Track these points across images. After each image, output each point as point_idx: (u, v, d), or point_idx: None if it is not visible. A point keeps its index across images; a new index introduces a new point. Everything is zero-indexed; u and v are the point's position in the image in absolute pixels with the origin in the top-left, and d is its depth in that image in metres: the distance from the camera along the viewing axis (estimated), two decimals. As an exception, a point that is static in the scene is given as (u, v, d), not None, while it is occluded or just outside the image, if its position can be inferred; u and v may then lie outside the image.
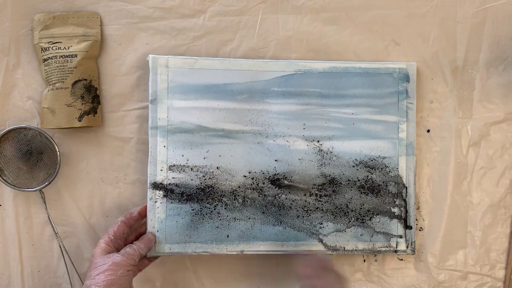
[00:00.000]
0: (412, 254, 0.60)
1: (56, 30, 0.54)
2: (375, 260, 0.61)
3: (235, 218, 0.56)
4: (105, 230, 0.57)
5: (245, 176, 0.57)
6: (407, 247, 0.59)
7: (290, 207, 0.57)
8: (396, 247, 0.59)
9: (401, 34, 0.60)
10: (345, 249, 0.58)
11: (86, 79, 0.54)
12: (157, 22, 0.56)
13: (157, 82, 0.55)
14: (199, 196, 0.56)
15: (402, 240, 0.59)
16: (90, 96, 0.55)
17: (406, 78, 0.59)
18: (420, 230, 0.61)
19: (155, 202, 0.55)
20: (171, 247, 0.55)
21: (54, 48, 0.54)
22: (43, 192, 0.55)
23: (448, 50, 0.61)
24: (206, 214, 0.56)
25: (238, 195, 0.57)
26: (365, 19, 0.59)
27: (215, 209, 0.56)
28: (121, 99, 0.56)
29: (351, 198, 0.58)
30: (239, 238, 0.56)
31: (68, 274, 0.56)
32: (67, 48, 0.54)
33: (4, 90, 0.55)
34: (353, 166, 0.58)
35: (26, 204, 0.56)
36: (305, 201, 0.58)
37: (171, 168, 0.55)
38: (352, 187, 0.58)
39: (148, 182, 0.55)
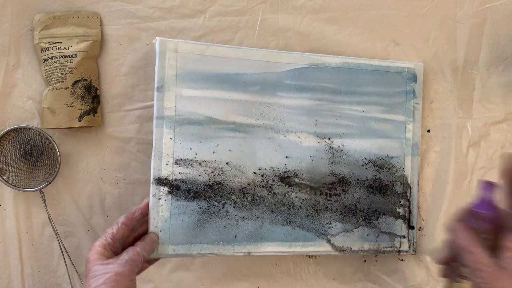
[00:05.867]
0: (413, 254, 0.60)
1: (56, 30, 0.54)
2: (376, 260, 0.61)
3: (243, 218, 0.53)
4: (105, 230, 0.57)
5: (255, 173, 0.54)
6: (409, 247, 0.59)
7: (300, 207, 0.55)
8: (400, 247, 0.58)
9: (401, 34, 0.60)
10: (352, 249, 0.57)
11: (86, 79, 0.54)
12: (157, 22, 0.56)
13: (165, 68, 0.51)
14: (207, 193, 0.52)
15: (405, 240, 0.59)
16: (90, 96, 0.55)
17: (414, 78, 0.59)
18: (420, 229, 0.61)
19: (159, 199, 0.51)
20: (175, 249, 0.51)
21: (54, 48, 0.54)
22: (43, 192, 0.55)
23: (448, 50, 0.61)
24: (214, 212, 0.53)
25: (247, 193, 0.53)
26: (365, 19, 0.59)
27: (223, 207, 0.53)
28: (121, 99, 0.56)
29: (359, 198, 0.57)
30: (247, 238, 0.53)
31: (68, 274, 0.56)
32: (67, 48, 0.54)
33: (4, 90, 0.55)
34: (362, 165, 0.57)
35: (26, 204, 0.56)
36: (315, 200, 0.55)
37: (177, 162, 0.51)
38: (361, 186, 0.57)
39: (152, 177, 0.51)
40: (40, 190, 0.54)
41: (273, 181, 0.54)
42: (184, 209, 0.52)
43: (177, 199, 0.51)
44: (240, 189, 0.53)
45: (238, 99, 0.53)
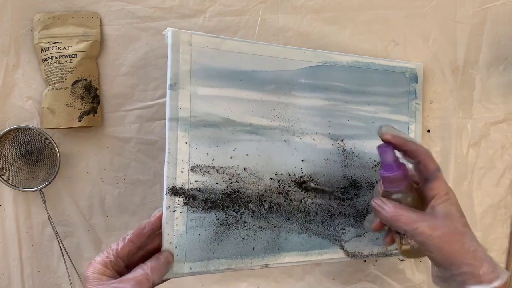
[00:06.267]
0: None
1: (56, 30, 0.54)
2: (376, 260, 0.61)
3: (261, 227, 0.50)
4: (105, 230, 0.57)
5: (271, 179, 0.50)
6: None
7: (316, 213, 0.53)
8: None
9: (401, 34, 0.60)
10: (363, 254, 0.55)
11: (86, 79, 0.54)
12: (157, 22, 0.56)
13: (179, 62, 0.46)
14: (224, 203, 0.48)
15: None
16: (90, 96, 0.54)
17: (415, 78, 0.59)
18: (420, 230, 0.61)
19: (174, 211, 0.45)
20: (191, 266, 0.46)
21: (54, 48, 0.54)
22: (43, 192, 0.55)
23: (448, 50, 0.61)
24: (232, 223, 0.48)
25: (265, 201, 0.50)
26: (365, 19, 0.59)
27: (241, 217, 0.49)
28: (121, 99, 0.56)
29: (370, 201, 0.55)
30: (264, 250, 0.50)
31: (68, 274, 0.56)
32: (67, 48, 0.54)
33: (4, 90, 0.55)
34: (372, 167, 0.56)
35: (26, 204, 0.56)
36: (330, 205, 0.53)
37: (193, 169, 0.46)
38: (371, 189, 0.56)
39: (165, 187, 0.45)
40: (40, 190, 0.54)
41: (289, 186, 0.51)
42: (201, 222, 0.47)
43: (193, 211, 0.46)
44: (257, 197, 0.50)
45: (254, 99, 0.50)
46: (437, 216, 0.41)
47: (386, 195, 0.46)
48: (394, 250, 0.58)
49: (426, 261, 0.61)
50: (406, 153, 0.45)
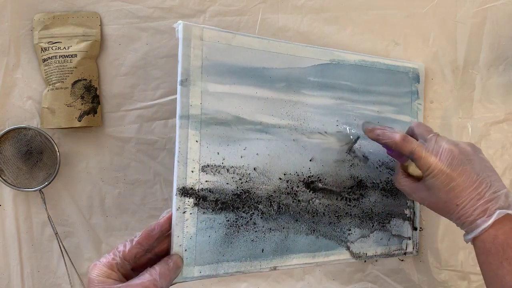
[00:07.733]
0: (416, 255, 0.60)
1: (56, 30, 0.54)
2: (376, 260, 0.61)
3: (270, 229, 0.48)
4: (105, 230, 0.57)
5: (280, 179, 0.49)
6: (413, 248, 0.59)
7: (323, 213, 0.52)
8: (406, 249, 0.58)
9: (401, 34, 0.60)
10: (367, 255, 0.55)
11: (86, 79, 0.54)
12: (157, 22, 0.56)
13: (190, 57, 0.44)
14: (235, 204, 0.47)
15: (410, 242, 0.58)
16: (90, 96, 0.54)
17: (417, 78, 0.59)
18: (420, 230, 0.61)
19: (184, 212, 0.44)
20: (201, 270, 0.44)
21: (54, 48, 0.54)
22: (43, 192, 0.55)
23: (448, 50, 0.61)
24: (242, 225, 0.47)
25: (274, 201, 0.49)
26: (365, 19, 0.59)
27: (251, 218, 0.48)
28: (121, 99, 0.56)
29: (375, 202, 0.56)
30: (273, 252, 0.49)
31: (68, 274, 0.56)
32: (67, 48, 0.54)
33: (4, 90, 0.55)
34: (377, 167, 0.56)
35: (26, 204, 0.56)
36: (336, 206, 0.53)
37: (204, 169, 0.45)
38: (376, 189, 0.56)
39: (175, 187, 0.43)
40: (40, 190, 0.54)
41: (298, 187, 0.51)
42: (211, 223, 0.45)
43: (203, 212, 0.45)
44: (267, 197, 0.49)
45: (264, 97, 0.49)
46: (425, 188, 0.47)
47: (401, 165, 0.52)
48: (396, 251, 0.58)
49: (426, 261, 0.61)
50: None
